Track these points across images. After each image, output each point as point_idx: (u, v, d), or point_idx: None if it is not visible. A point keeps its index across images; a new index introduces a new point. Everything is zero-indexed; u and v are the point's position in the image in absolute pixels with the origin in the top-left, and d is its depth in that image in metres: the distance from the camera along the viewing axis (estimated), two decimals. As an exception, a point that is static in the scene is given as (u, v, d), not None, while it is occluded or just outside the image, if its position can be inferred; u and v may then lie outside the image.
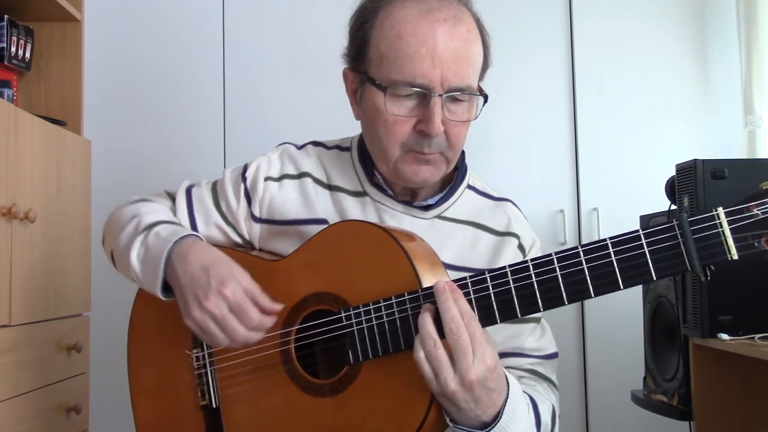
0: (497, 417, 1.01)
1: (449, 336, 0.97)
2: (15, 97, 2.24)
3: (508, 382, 1.04)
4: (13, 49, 2.20)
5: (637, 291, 2.25)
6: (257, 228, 1.30)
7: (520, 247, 1.27)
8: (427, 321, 0.99)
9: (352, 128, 1.34)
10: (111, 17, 2.73)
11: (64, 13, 2.33)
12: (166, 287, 1.17)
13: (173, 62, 2.73)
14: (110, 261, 1.32)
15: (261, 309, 1.12)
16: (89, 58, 2.56)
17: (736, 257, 0.90)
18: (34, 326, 1.88)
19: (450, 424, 1.03)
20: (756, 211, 0.89)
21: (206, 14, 2.75)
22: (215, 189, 1.33)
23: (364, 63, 1.19)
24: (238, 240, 1.31)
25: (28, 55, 2.27)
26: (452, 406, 1.00)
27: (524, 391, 1.10)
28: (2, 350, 1.73)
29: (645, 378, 2.22)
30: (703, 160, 1.85)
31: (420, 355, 0.99)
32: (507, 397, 1.02)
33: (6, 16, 2.15)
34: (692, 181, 1.85)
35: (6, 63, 2.18)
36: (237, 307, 1.09)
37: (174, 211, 1.32)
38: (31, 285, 1.89)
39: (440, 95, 1.13)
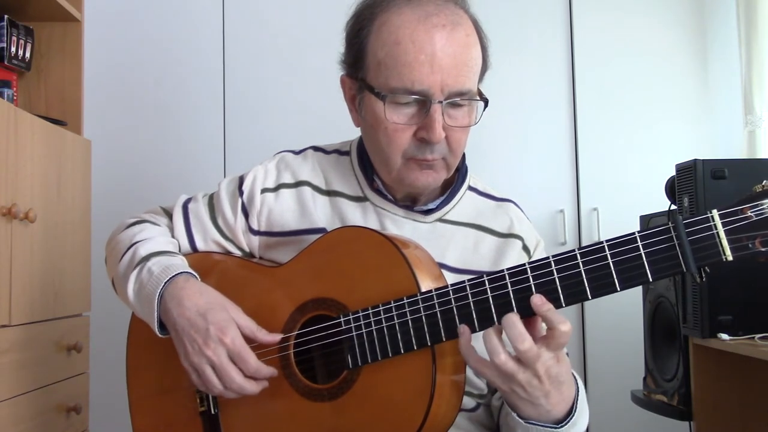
0: (570, 413, 1.03)
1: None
2: (15, 97, 2.24)
3: (576, 379, 1.07)
4: (13, 49, 2.20)
5: (637, 291, 2.25)
6: (256, 240, 1.29)
7: (525, 249, 1.27)
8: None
9: (353, 132, 1.33)
10: (111, 17, 2.73)
11: (64, 13, 2.33)
12: (162, 324, 1.18)
13: (173, 62, 2.73)
14: (112, 287, 1.32)
15: (261, 342, 1.13)
16: (89, 58, 2.56)
17: (730, 258, 0.91)
18: (34, 326, 1.89)
19: (520, 420, 1.03)
20: (749, 213, 0.90)
21: (206, 14, 2.75)
22: (211, 203, 1.32)
23: (361, 70, 1.18)
24: (238, 253, 1.31)
25: (28, 55, 2.27)
26: (523, 401, 1.00)
27: None
28: (2, 350, 1.73)
29: (645, 378, 2.22)
30: (703, 160, 1.85)
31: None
32: (577, 391, 1.05)
33: (6, 16, 2.15)
34: (692, 181, 1.85)
35: (6, 63, 2.18)
36: (236, 355, 1.11)
37: (171, 228, 1.32)
38: (31, 285, 1.89)
39: (440, 102, 1.12)
